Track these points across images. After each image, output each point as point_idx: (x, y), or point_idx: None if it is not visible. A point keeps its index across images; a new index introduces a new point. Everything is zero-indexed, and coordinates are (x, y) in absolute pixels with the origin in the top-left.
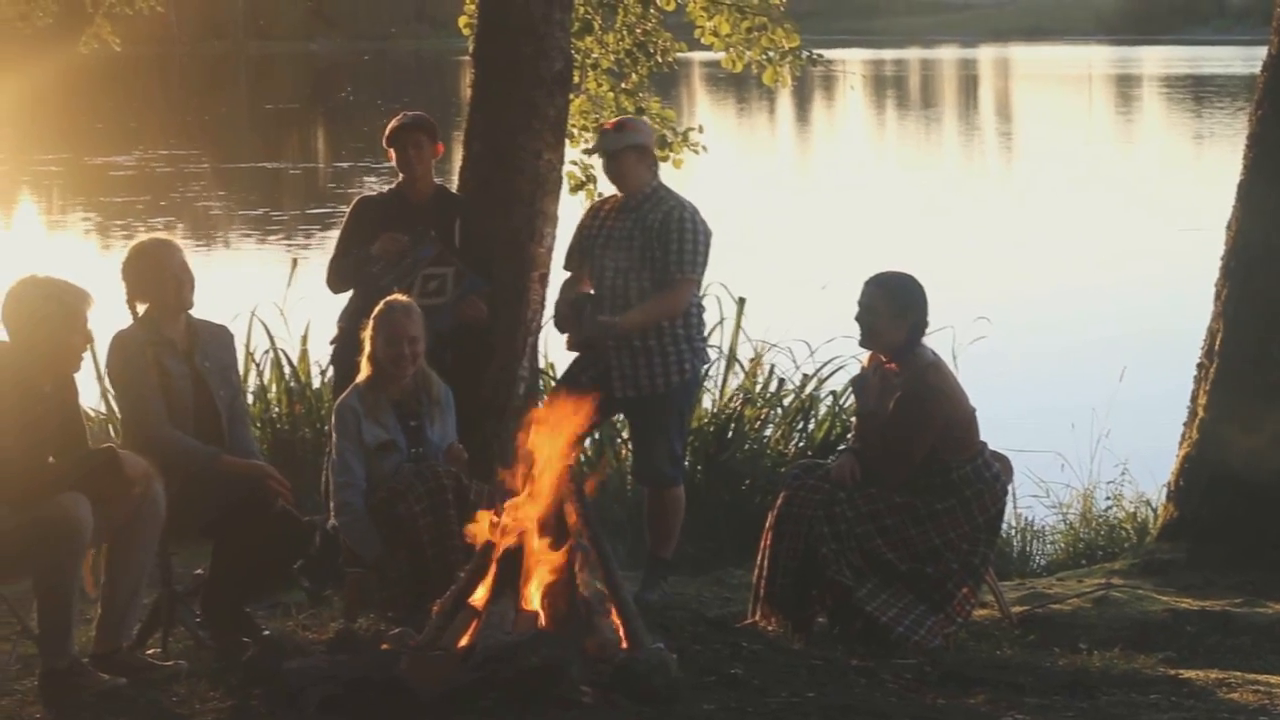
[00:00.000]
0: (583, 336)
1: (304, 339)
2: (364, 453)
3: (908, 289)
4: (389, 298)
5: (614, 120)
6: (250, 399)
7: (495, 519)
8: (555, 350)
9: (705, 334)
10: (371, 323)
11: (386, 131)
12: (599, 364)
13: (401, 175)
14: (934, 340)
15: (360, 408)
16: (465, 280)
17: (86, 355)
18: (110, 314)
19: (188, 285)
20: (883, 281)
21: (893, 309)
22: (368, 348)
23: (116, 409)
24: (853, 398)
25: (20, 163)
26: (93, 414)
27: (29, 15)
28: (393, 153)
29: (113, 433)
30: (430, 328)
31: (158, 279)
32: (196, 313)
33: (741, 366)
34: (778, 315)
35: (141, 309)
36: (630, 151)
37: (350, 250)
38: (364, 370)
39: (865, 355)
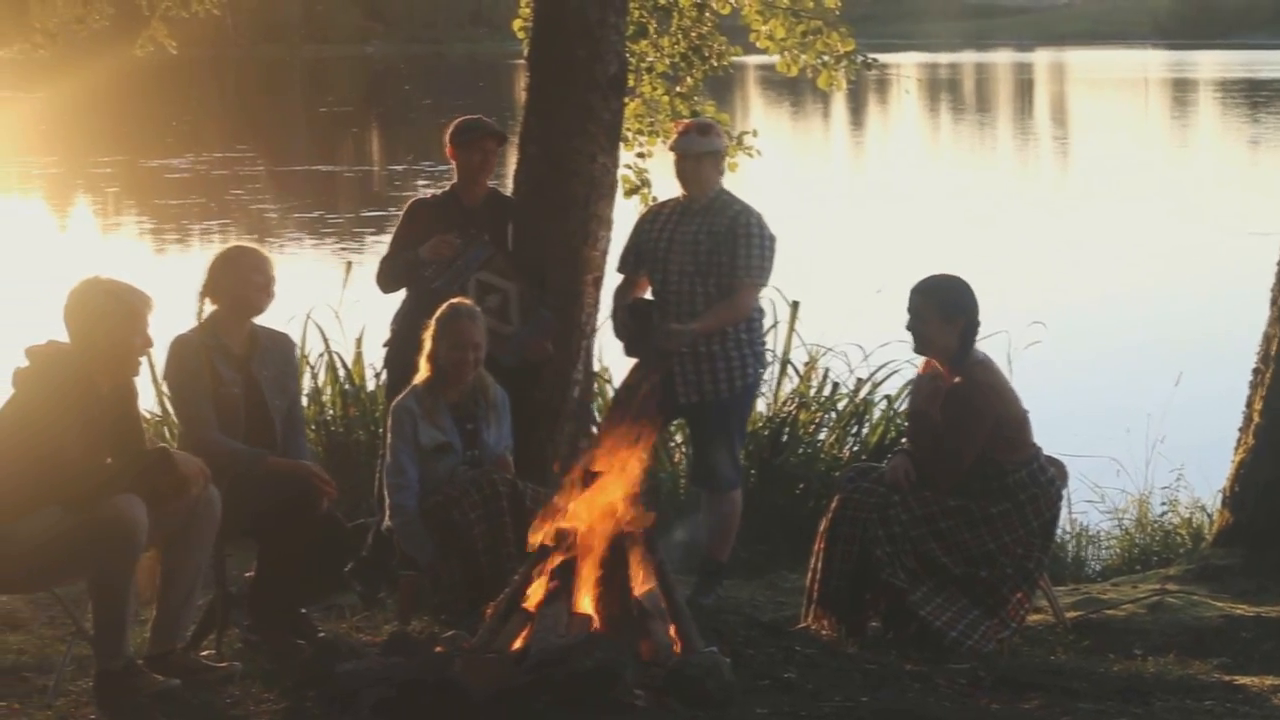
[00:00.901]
0: (652, 345)
1: (358, 342)
2: (419, 454)
3: (955, 292)
4: (453, 300)
5: (696, 122)
6: (305, 402)
7: (549, 522)
8: (610, 354)
9: (764, 338)
10: (435, 325)
11: (451, 133)
12: (661, 369)
13: (457, 177)
14: (989, 345)
15: (417, 409)
16: (534, 317)
17: (145, 358)
18: (170, 317)
19: (262, 291)
20: (928, 288)
21: (941, 314)
22: (428, 348)
23: (172, 412)
24: (907, 402)
25: (77, 165)
26: (149, 416)
27: (86, 18)
28: (455, 154)
29: (168, 435)
30: (491, 352)
31: (232, 280)
32: (263, 319)
33: (796, 370)
34: (832, 319)
35: (210, 309)
36: (710, 156)
37: (402, 251)
38: (423, 372)
39: (920, 361)
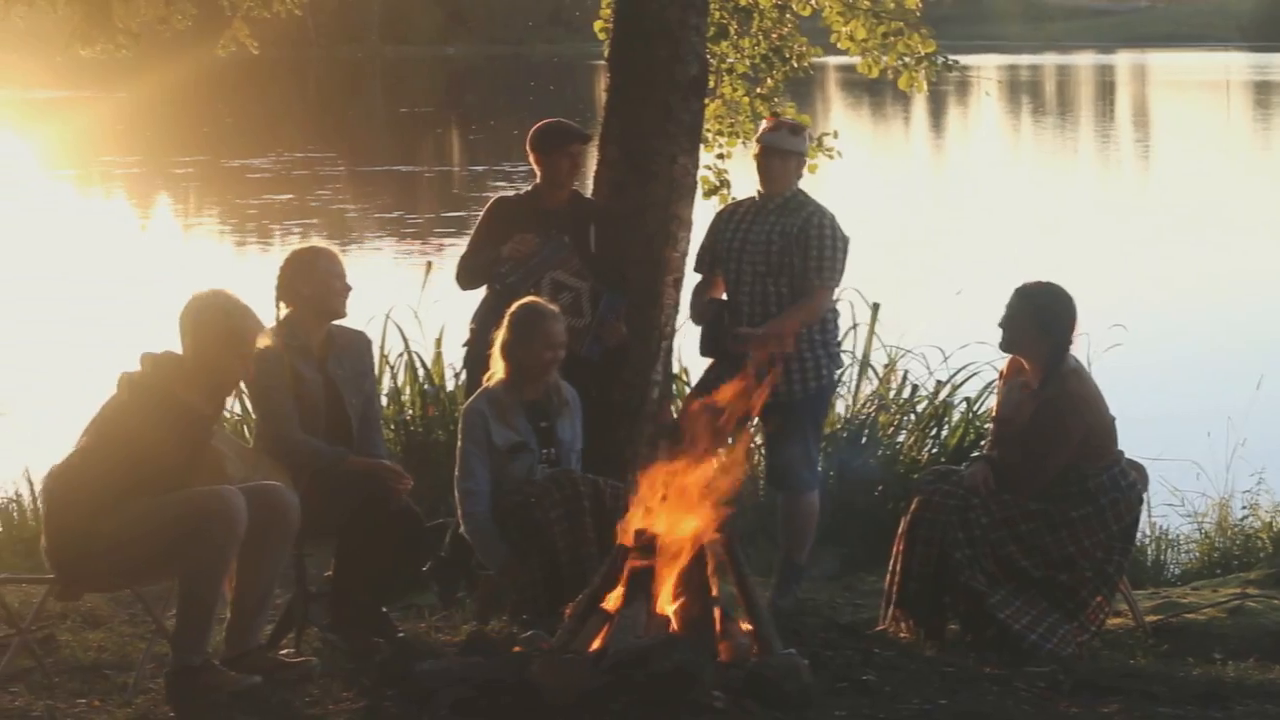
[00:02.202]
0: (721, 346)
1: (438, 342)
2: (493, 456)
3: (1055, 306)
4: (530, 300)
5: (788, 120)
6: (384, 401)
7: (629, 523)
8: (689, 355)
9: (840, 339)
10: (516, 325)
11: (534, 139)
12: (735, 371)
13: (541, 181)
14: (1070, 347)
15: (489, 411)
16: (602, 301)
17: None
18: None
19: (342, 294)
20: (1031, 295)
21: (1037, 325)
22: (504, 347)
23: (252, 411)
24: (987, 404)
25: (159, 165)
26: (228, 415)
27: (168, 19)
28: (540, 161)
29: (247, 433)
30: (571, 350)
31: (313, 284)
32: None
33: (875, 372)
34: (912, 321)
35: (285, 311)
36: (794, 157)
37: (482, 249)
38: (499, 371)
39: (1003, 362)
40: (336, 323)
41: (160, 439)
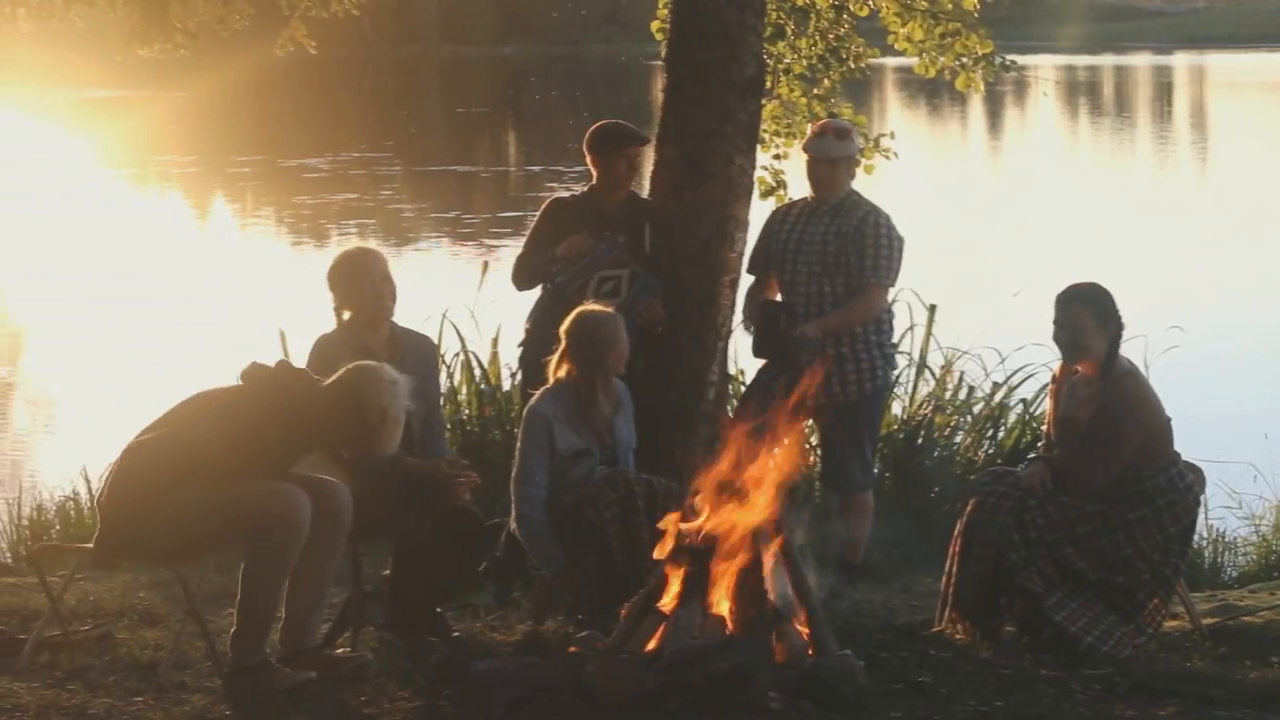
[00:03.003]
0: (776, 348)
1: (494, 341)
2: (556, 460)
3: (1105, 297)
4: (590, 310)
5: (833, 125)
6: (440, 401)
7: (684, 524)
8: (745, 356)
9: (895, 340)
10: (587, 331)
11: (592, 141)
12: (790, 372)
13: (598, 182)
14: (1127, 349)
15: (555, 415)
16: (638, 281)
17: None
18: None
19: (388, 295)
20: (1082, 294)
21: (1097, 321)
22: (572, 356)
23: None
24: (1043, 406)
25: (216, 164)
26: None
27: (226, 19)
28: (598, 162)
29: None
30: None
31: (359, 287)
32: (400, 319)
33: (932, 373)
34: (968, 322)
35: (347, 315)
36: (844, 161)
37: (538, 250)
38: (565, 377)
39: (1057, 364)
40: (402, 326)
41: (265, 434)
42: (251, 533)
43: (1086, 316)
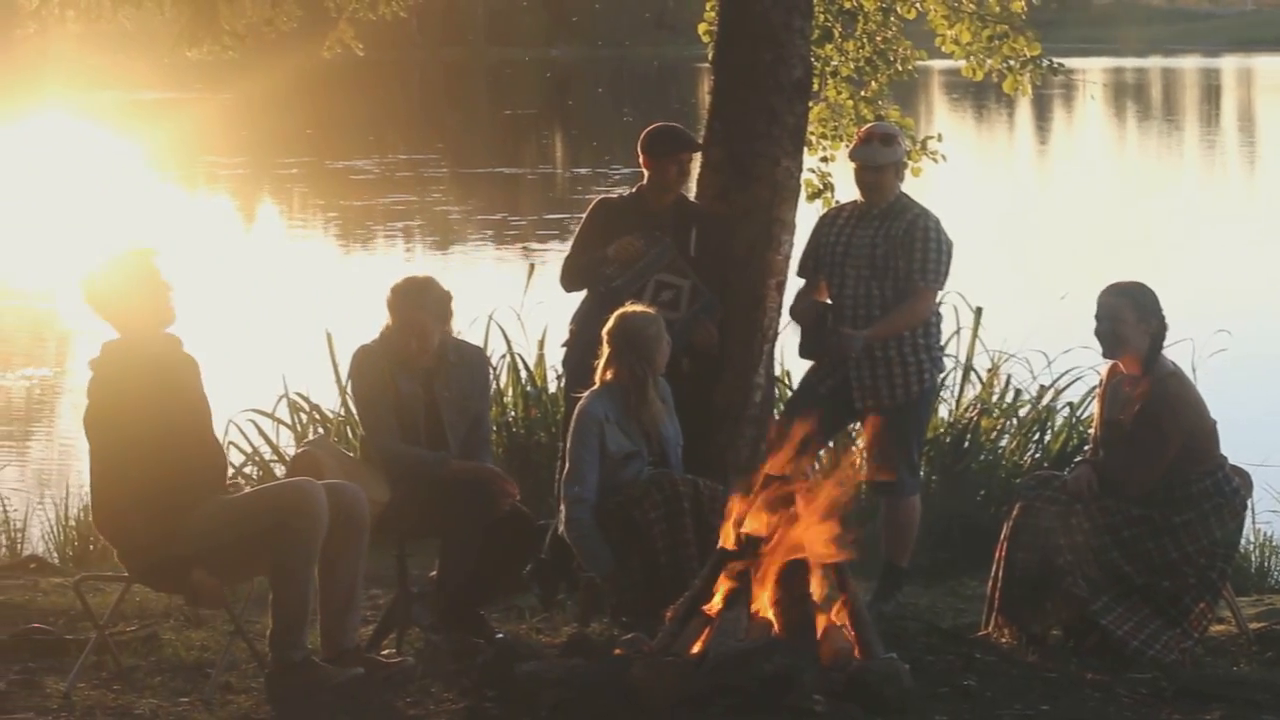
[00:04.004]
0: (823, 349)
1: (540, 343)
2: (606, 462)
3: (1146, 293)
4: (634, 313)
5: (878, 130)
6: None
7: (731, 526)
8: (791, 358)
9: (943, 344)
10: (633, 331)
11: (646, 142)
12: (837, 374)
13: (648, 183)
14: (1173, 352)
15: (606, 417)
16: (700, 300)
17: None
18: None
19: (433, 331)
20: (1122, 289)
21: (1137, 314)
22: (620, 359)
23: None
24: (1090, 409)
25: (263, 165)
26: (330, 416)
27: (274, 20)
28: (650, 164)
29: (350, 436)
30: None
31: (401, 322)
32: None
33: (978, 377)
34: (1015, 325)
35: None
36: (891, 167)
37: (586, 250)
38: (614, 380)
39: (1104, 368)
40: (455, 337)
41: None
42: (272, 529)
43: (1126, 309)
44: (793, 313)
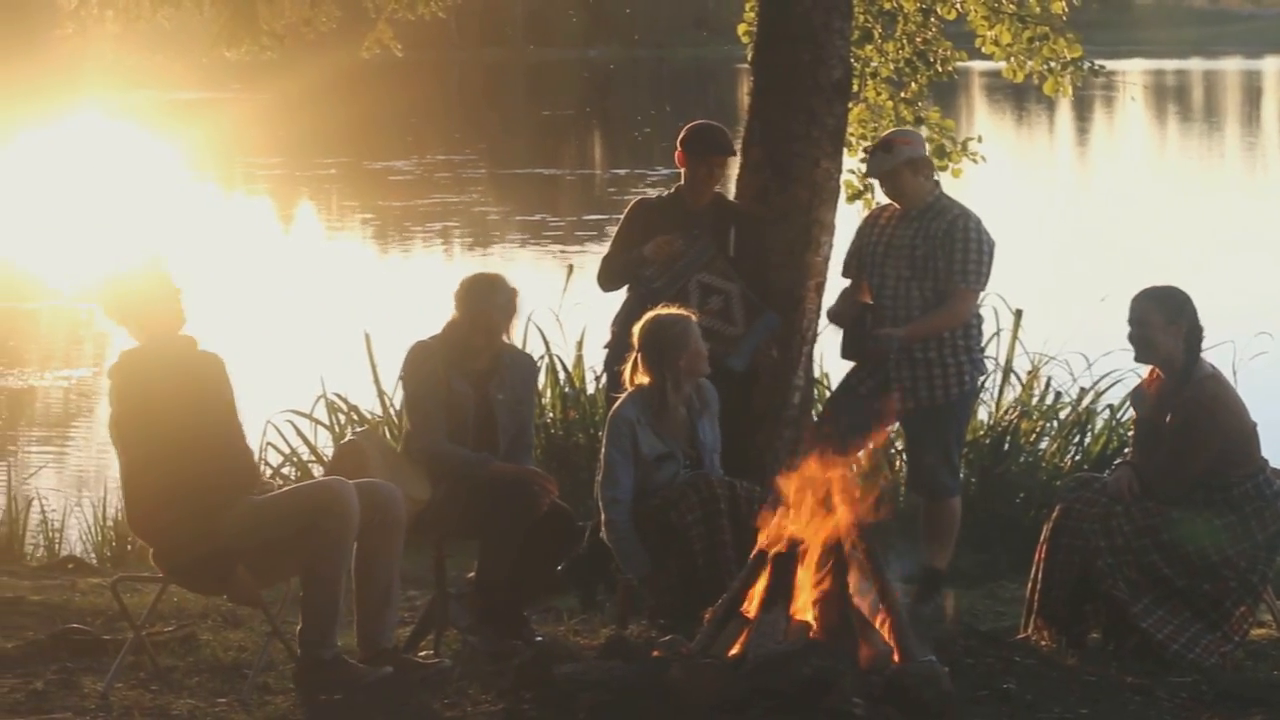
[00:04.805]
0: (862, 348)
1: (579, 344)
2: (640, 464)
3: (1175, 296)
4: (664, 314)
5: (881, 139)
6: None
7: (769, 528)
8: (830, 360)
9: (983, 345)
10: (654, 334)
11: (685, 136)
12: (877, 375)
13: (685, 181)
14: (1214, 355)
15: (638, 419)
16: (759, 319)
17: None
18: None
19: (500, 328)
20: (1149, 293)
21: (1165, 317)
22: (650, 359)
23: (399, 413)
24: (1131, 411)
25: (302, 166)
26: (369, 415)
27: (313, 20)
28: (683, 157)
29: (389, 435)
30: (717, 360)
31: (470, 316)
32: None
33: (1018, 379)
34: (1055, 327)
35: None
36: (904, 168)
37: (624, 250)
38: (645, 381)
39: (1145, 370)
40: (508, 342)
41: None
42: (303, 530)
43: (1153, 312)
44: (831, 314)
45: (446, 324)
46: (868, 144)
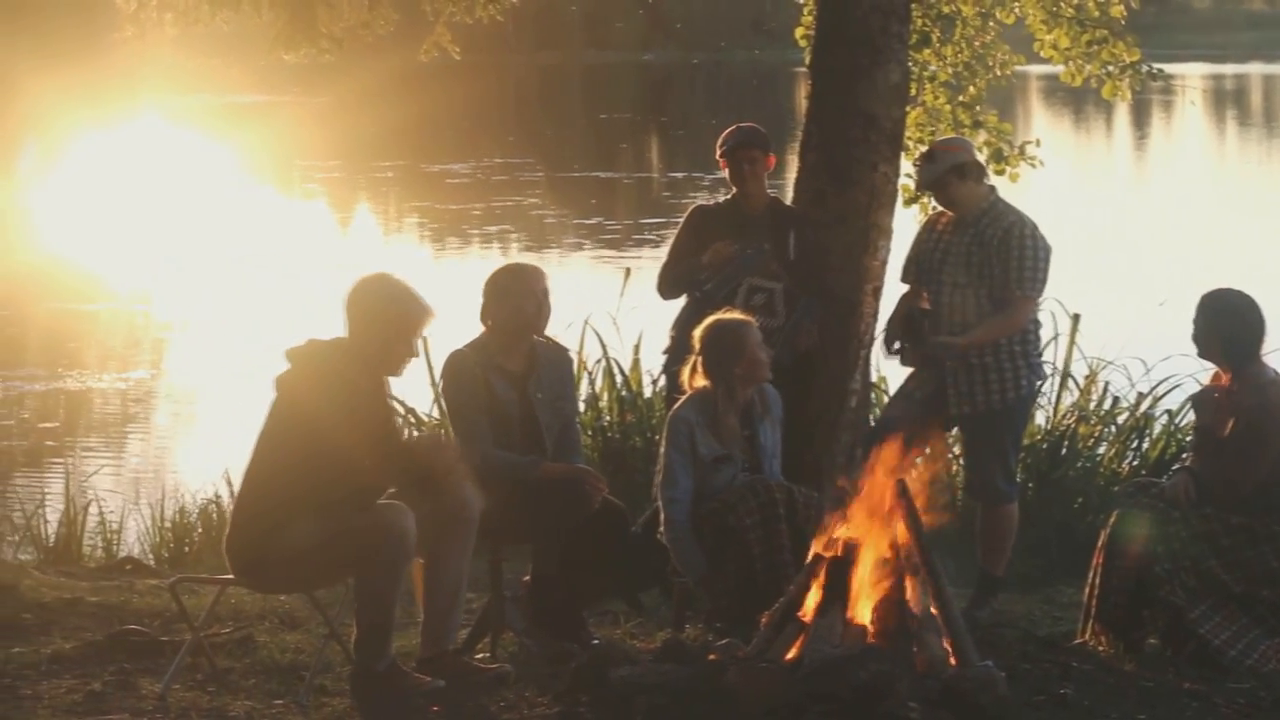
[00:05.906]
0: (919, 353)
1: (636, 348)
2: (698, 466)
3: (1230, 307)
4: (724, 318)
5: (927, 149)
6: (581, 407)
7: (827, 532)
8: (887, 364)
9: (1041, 350)
10: (711, 339)
11: (720, 143)
12: (933, 380)
13: (732, 185)
14: (1276, 360)
15: (697, 420)
16: (799, 304)
17: (420, 364)
18: (450, 323)
19: (538, 312)
20: (1216, 295)
21: (1215, 328)
22: (704, 363)
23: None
24: (1190, 415)
25: (359, 168)
26: (427, 420)
27: (371, 24)
28: (721, 161)
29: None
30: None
31: (505, 307)
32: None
33: (1076, 383)
34: (1113, 332)
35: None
36: (950, 175)
37: (682, 259)
38: (705, 384)
39: (1206, 375)
40: (540, 339)
41: (328, 421)
42: (365, 556)
43: (1205, 321)
44: (889, 326)
45: (483, 331)
46: (925, 148)
